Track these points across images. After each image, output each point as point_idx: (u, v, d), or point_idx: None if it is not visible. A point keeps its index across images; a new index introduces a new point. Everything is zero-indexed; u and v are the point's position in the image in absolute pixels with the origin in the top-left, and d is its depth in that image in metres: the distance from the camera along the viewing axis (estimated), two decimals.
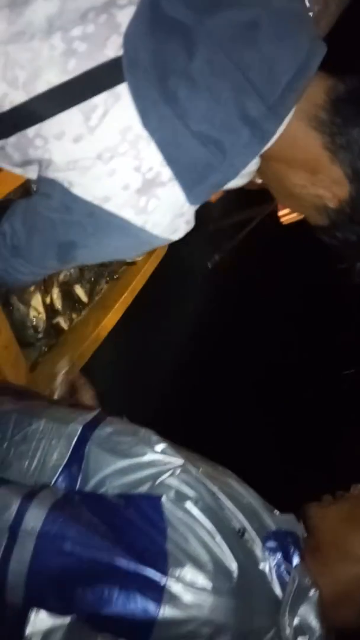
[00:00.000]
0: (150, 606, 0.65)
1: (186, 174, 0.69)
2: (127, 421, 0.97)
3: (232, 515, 0.77)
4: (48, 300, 1.57)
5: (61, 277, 1.60)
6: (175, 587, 0.66)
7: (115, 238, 0.74)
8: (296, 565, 0.74)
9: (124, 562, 0.67)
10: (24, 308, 1.49)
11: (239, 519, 0.76)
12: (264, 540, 0.76)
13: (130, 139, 0.67)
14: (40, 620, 0.73)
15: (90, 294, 1.72)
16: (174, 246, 0.83)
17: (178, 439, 0.89)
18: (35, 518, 0.69)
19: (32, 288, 1.50)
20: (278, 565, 0.74)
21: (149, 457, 0.82)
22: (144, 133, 0.66)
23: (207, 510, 0.74)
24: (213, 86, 0.64)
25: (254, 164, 0.73)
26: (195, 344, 2.45)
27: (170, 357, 2.28)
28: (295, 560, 0.75)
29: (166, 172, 0.68)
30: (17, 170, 0.82)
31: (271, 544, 0.76)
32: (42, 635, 0.73)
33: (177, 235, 0.77)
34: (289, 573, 0.74)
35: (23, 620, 0.72)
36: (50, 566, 0.67)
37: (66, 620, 0.73)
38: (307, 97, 0.68)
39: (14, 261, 0.84)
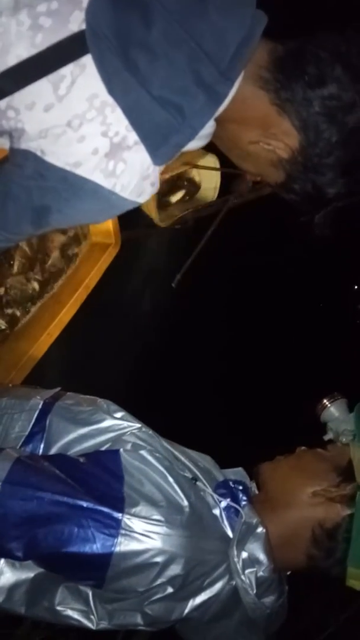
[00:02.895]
0: (108, 541, 0.71)
1: (150, 137, 0.74)
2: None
3: (185, 466, 0.84)
4: (2, 291, 1.60)
5: (15, 269, 1.63)
6: (130, 521, 0.72)
7: (87, 202, 0.78)
8: (244, 506, 0.82)
9: (83, 504, 0.72)
10: None
11: (192, 470, 0.84)
12: (215, 488, 0.83)
13: (97, 106, 0.71)
14: (4, 577, 0.78)
15: (44, 285, 1.76)
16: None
17: None
18: (0, 469, 0.74)
19: None
20: (228, 509, 0.81)
21: (108, 422, 0.88)
22: (109, 99, 0.71)
23: (161, 459, 0.81)
24: (170, 55, 0.70)
25: (210, 127, 0.78)
26: (148, 343, 2.53)
27: (126, 354, 2.34)
28: (244, 503, 0.83)
29: (132, 136, 0.73)
30: None
31: (221, 490, 0.83)
32: (6, 591, 0.78)
33: (143, 198, 0.81)
34: (237, 516, 0.81)
35: None
36: (14, 510, 0.72)
37: (30, 574, 0.79)
38: (252, 60, 0.75)
39: None
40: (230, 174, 2.04)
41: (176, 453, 0.87)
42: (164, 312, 2.57)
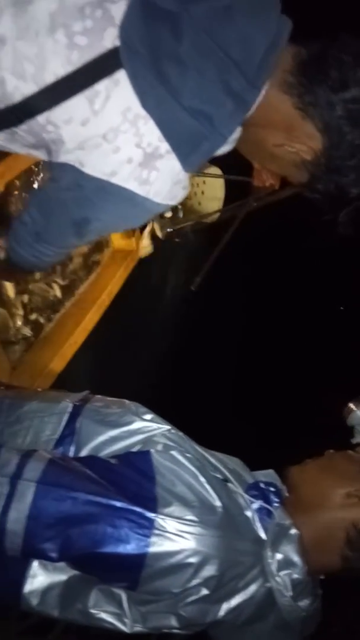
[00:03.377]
0: (141, 541, 0.71)
1: (181, 146, 0.77)
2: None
3: (215, 468, 0.83)
4: (26, 299, 1.63)
5: (37, 274, 1.65)
6: (164, 521, 0.72)
7: (123, 208, 0.83)
8: (276, 508, 0.81)
9: (116, 504, 0.72)
10: (3, 310, 1.54)
11: (223, 472, 0.83)
12: (246, 490, 0.83)
13: (131, 119, 0.75)
14: (38, 580, 0.79)
15: (66, 292, 1.79)
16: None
17: None
18: (34, 470, 0.74)
19: (9, 290, 1.55)
20: (260, 511, 0.81)
21: (137, 424, 0.88)
22: (142, 112, 0.74)
23: (192, 460, 0.81)
24: (199, 65, 0.73)
25: (237, 132, 0.81)
26: (170, 347, 2.53)
27: (148, 359, 2.34)
28: (276, 504, 0.82)
29: (164, 146, 0.77)
30: (30, 152, 0.89)
31: (253, 492, 0.82)
32: (40, 594, 0.79)
33: (175, 201, 0.85)
34: (269, 517, 0.81)
35: (22, 568, 0.77)
36: (47, 512, 0.72)
37: (63, 577, 0.79)
38: (276, 64, 0.76)
39: (39, 246, 0.93)
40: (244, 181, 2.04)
41: (206, 455, 0.87)
42: (184, 316, 2.57)
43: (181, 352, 2.45)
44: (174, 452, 0.81)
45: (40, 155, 0.88)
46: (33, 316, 1.68)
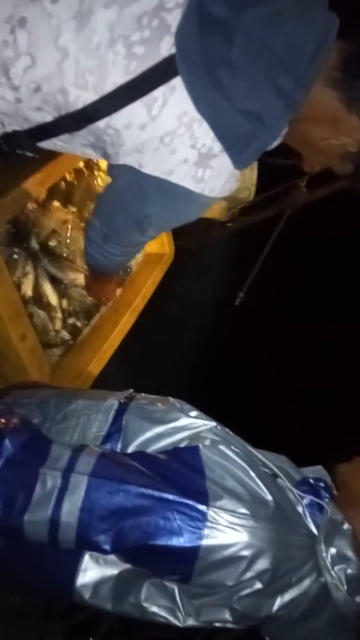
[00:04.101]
0: (194, 533, 0.71)
1: (233, 146, 0.82)
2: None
3: (264, 464, 0.83)
4: (65, 304, 1.65)
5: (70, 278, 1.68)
6: (216, 514, 0.72)
7: (180, 204, 0.90)
8: (328, 503, 0.80)
9: (168, 496, 0.73)
10: (43, 314, 1.57)
11: (271, 467, 0.83)
12: (296, 485, 0.82)
13: (186, 123, 0.79)
14: (89, 573, 0.80)
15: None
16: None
17: None
18: (85, 463, 0.76)
19: (49, 295, 1.58)
20: (310, 506, 0.80)
21: (183, 421, 0.89)
22: (197, 116, 0.79)
23: (241, 454, 0.81)
24: (250, 69, 0.76)
25: (285, 128, 0.85)
26: (203, 349, 2.52)
27: (183, 362, 2.34)
28: (327, 500, 0.81)
29: (217, 146, 0.81)
30: (86, 151, 0.94)
31: (303, 487, 0.82)
32: (92, 587, 0.80)
33: (229, 193, 0.91)
34: (321, 512, 0.80)
35: (74, 561, 0.78)
36: (100, 504, 0.73)
37: (114, 571, 0.80)
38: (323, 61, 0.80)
39: (108, 247, 1.03)
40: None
41: (254, 451, 0.86)
42: (217, 318, 2.56)
43: (218, 353, 2.45)
44: (222, 447, 0.81)
45: (96, 155, 0.93)
46: (71, 320, 1.71)
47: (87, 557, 0.79)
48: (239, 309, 2.18)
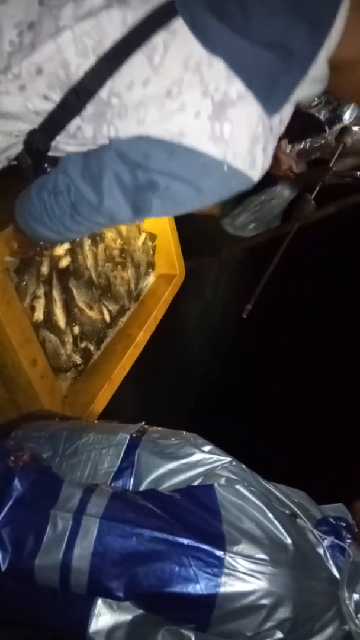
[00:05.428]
0: (211, 580, 0.68)
1: (257, 81, 0.69)
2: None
3: (282, 503, 0.80)
4: (77, 330, 1.64)
5: (81, 302, 1.67)
6: (233, 560, 0.69)
7: (195, 176, 0.74)
8: (350, 544, 0.77)
9: (183, 541, 0.70)
10: (55, 338, 1.56)
11: (290, 506, 0.80)
12: (316, 525, 0.79)
13: (193, 66, 0.69)
14: (103, 619, 0.77)
15: (114, 319, 1.80)
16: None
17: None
18: (97, 505, 0.73)
19: (60, 319, 1.57)
20: (332, 548, 0.77)
21: (197, 456, 0.86)
22: (204, 56, 0.69)
23: (258, 494, 0.78)
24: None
25: (322, 69, 0.73)
26: (220, 372, 2.49)
27: (198, 384, 2.30)
28: (349, 541, 0.78)
29: (234, 89, 0.69)
30: (82, 150, 0.83)
31: (323, 527, 0.79)
32: (105, 634, 0.77)
33: (255, 171, 0.75)
34: (342, 555, 0.76)
35: (87, 607, 0.75)
36: (112, 548, 0.71)
37: (128, 616, 0.77)
38: None
39: (72, 222, 0.84)
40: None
41: (271, 488, 0.83)
42: (231, 340, 2.53)
43: (232, 375, 2.41)
44: (238, 486, 0.78)
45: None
46: (83, 344, 1.69)
47: (100, 602, 0.76)
48: (250, 327, 2.15)
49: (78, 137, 0.80)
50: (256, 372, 2.48)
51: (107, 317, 1.79)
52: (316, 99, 1.74)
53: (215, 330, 2.54)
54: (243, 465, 0.85)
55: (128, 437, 0.91)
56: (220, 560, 0.69)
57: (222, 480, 0.80)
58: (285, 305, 2.52)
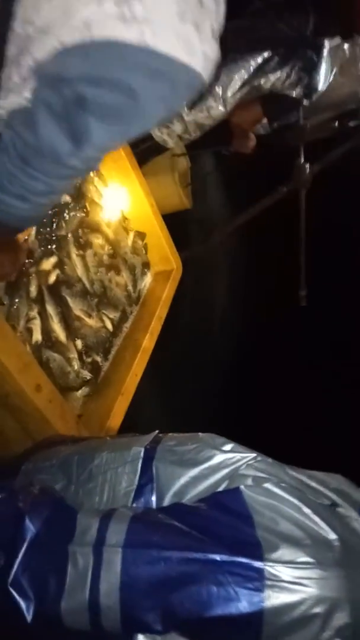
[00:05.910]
0: (254, 596, 0.61)
1: None
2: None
3: (318, 493, 0.72)
4: (80, 344, 1.58)
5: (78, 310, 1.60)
6: (274, 569, 0.62)
7: (118, 73, 0.62)
8: None
9: (216, 557, 0.63)
10: (58, 356, 1.50)
11: (328, 495, 0.72)
12: None
13: None
14: None
15: (117, 326, 1.74)
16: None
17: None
18: (117, 532, 0.67)
19: (60, 335, 1.51)
20: None
21: (218, 458, 0.79)
22: None
23: (290, 489, 0.70)
24: None
25: None
26: (232, 361, 2.41)
27: (213, 377, 2.23)
28: None
29: None
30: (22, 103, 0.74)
31: None
32: None
33: (194, 56, 0.63)
34: None
35: None
36: (141, 577, 0.64)
37: None
38: None
39: (25, 177, 0.75)
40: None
41: (304, 478, 0.76)
42: (241, 324, 2.45)
43: (247, 363, 2.32)
44: (267, 485, 0.70)
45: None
46: (89, 358, 1.63)
47: (141, 637, 0.70)
48: (261, 313, 2.07)
49: (13, 88, 0.72)
50: (274, 356, 2.39)
51: (109, 326, 1.73)
52: (285, 76, 1.66)
53: (224, 317, 2.46)
54: (269, 459, 0.78)
55: (142, 450, 0.85)
56: (260, 572, 0.62)
57: (249, 481, 0.72)
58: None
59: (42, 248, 1.53)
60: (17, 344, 1.19)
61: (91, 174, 1.72)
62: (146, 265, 1.97)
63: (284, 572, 0.62)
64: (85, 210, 1.70)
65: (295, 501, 0.69)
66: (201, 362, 2.23)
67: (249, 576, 0.62)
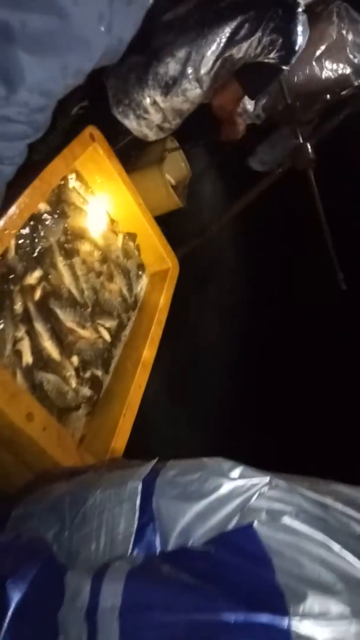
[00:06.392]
0: None
1: None
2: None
3: (348, 518, 0.61)
4: (76, 360, 1.47)
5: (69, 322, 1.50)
6: (303, 626, 0.50)
7: None
8: None
9: (231, 616, 0.52)
10: (53, 377, 1.39)
11: (358, 518, 0.61)
12: None
13: None
14: None
15: (115, 335, 1.63)
16: None
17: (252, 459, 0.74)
18: (112, 594, 0.56)
19: (52, 353, 1.40)
20: None
21: (226, 487, 0.68)
22: None
23: (312, 520, 0.59)
24: None
25: None
26: (242, 360, 2.28)
27: (220, 379, 2.10)
28: None
29: None
30: None
31: None
32: None
33: None
34: None
35: None
36: None
37: None
38: None
39: None
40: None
41: (328, 501, 0.64)
42: (247, 318, 2.32)
43: (255, 362, 2.19)
44: (285, 519, 0.59)
45: None
46: (88, 373, 1.52)
47: None
48: (272, 306, 1.94)
49: None
50: (286, 351, 2.25)
51: (106, 336, 1.62)
52: (257, 42, 1.52)
53: (229, 315, 2.33)
54: (283, 483, 0.66)
55: (140, 484, 0.74)
56: (287, 634, 0.51)
57: (263, 515, 0.61)
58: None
59: (24, 262, 1.42)
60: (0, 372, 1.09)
61: (70, 177, 1.62)
62: (141, 267, 1.86)
63: (316, 630, 0.51)
64: (67, 216, 1.59)
65: (320, 536, 0.57)
66: (210, 364, 2.11)
67: (274, 637, 0.51)
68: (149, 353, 1.59)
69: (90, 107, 1.77)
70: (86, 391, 1.49)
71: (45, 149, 1.62)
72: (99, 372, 1.56)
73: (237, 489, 0.67)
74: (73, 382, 1.46)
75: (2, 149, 0.70)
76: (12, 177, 0.80)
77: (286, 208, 2.05)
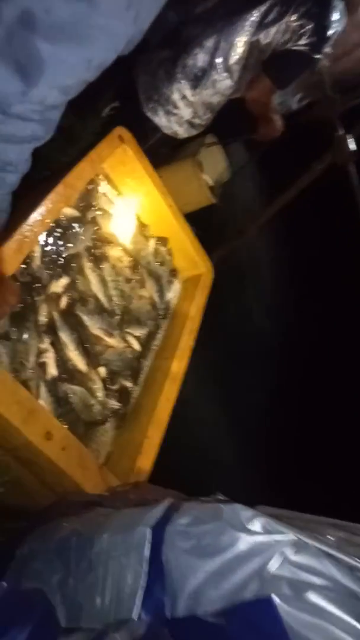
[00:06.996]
0: None
1: None
2: (219, 498, 0.76)
3: None
4: (103, 371, 1.42)
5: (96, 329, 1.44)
6: None
7: None
8: None
9: None
10: (79, 389, 1.34)
11: None
12: None
13: None
14: None
15: (144, 345, 1.56)
16: None
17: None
18: None
19: (78, 364, 1.35)
20: None
21: (245, 542, 0.60)
22: None
23: (341, 599, 0.50)
24: None
25: None
26: (282, 371, 2.15)
27: (260, 390, 1.99)
28: None
29: None
30: None
31: None
32: None
33: None
34: None
35: None
36: None
37: None
38: None
39: None
40: None
41: (357, 564, 0.55)
42: (286, 327, 2.19)
43: (291, 377, 2.07)
44: (310, 595, 0.50)
45: None
46: (116, 385, 1.46)
47: None
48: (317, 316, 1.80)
49: None
50: (333, 368, 2.10)
51: (135, 345, 1.55)
52: (284, 27, 1.41)
53: (262, 319, 2.21)
54: (312, 543, 0.57)
55: (149, 531, 0.66)
56: None
57: (284, 588, 0.52)
58: None
59: (50, 270, 1.37)
60: (16, 389, 1.04)
61: (99, 179, 1.55)
62: (173, 272, 1.78)
63: None
64: (95, 222, 1.53)
65: (351, 620, 0.48)
66: (245, 376, 2.00)
67: None
68: (178, 365, 1.51)
69: (121, 108, 1.70)
70: (114, 403, 1.43)
71: (75, 152, 1.57)
72: (128, 384, 1.50)
73: (257, 546, 0.59)
74: (100, 395, 1.40)
75: (8, 152, 0.65)
76: (16, 186, 0.73)
77: (325, 205, 1.91)
